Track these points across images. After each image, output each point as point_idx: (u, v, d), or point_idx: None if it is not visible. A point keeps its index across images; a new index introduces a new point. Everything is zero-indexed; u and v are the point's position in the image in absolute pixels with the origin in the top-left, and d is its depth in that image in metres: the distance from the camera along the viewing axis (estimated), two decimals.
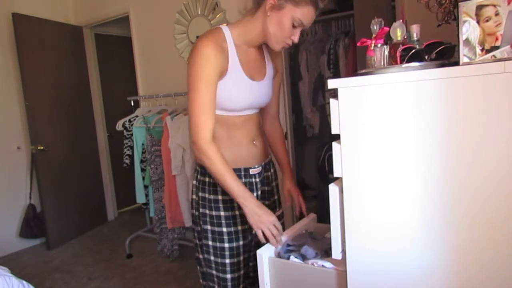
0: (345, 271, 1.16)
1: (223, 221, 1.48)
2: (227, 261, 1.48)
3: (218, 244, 1.48)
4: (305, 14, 1.32)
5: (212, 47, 1.33)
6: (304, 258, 1.31)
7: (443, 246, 1.00)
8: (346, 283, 1.16)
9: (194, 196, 1.57)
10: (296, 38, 1.38)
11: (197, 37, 3.41)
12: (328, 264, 1.24)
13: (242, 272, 1.53)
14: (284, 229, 1.68)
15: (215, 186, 1.48)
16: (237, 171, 1.46)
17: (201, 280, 1.64)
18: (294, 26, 1.34)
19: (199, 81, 1.31)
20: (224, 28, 1.43)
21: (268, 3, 1.33)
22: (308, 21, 1.35)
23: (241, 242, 1.50)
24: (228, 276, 1.49)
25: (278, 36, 1.37)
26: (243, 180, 1.49)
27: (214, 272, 1.51)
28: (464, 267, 0.98)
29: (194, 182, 1.56)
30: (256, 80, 1.47)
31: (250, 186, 1.51)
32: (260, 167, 1.56)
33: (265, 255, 1.33)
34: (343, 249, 1.18)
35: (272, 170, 1.67)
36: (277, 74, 1.63)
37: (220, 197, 1.48)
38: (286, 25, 1.33)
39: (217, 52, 1.34)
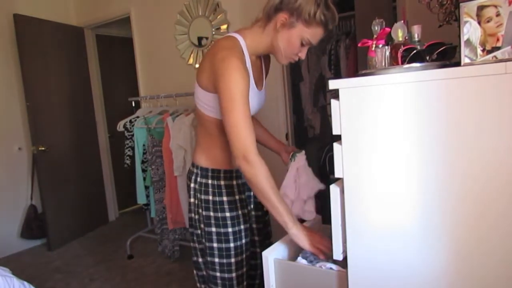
0: (346, 272, 1.16)
1: (229, 222, 1.49)
2: (233, 260, 1.50)
3: (224, 245, 1.49)
4: (314, 34, 1.35)
5: (242, 63, 1.32)
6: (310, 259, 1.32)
7: (444, 247, 1.00)
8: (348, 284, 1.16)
9: (192, 199, 1.56)
10: (303, 55, 1.42)
11: (199, 37, 3.41)
12: (335, 267, 1.24)
13: (245, 269, 1.54)
14: (270, 223, 1.73)
15: (220, 188, 1.50)
16: (229, 172, 1.52)
17: (198, 284, 1.64)
18: (302, 44, 1.37)
19: (239, 96, 1.28)
20: (240, 39, 1.42)
21: (280, 20, 1.34)
22: (316, 40, 1.39)
23: (243, 241, 1.52)
24: (234, 274, 1.51)
25: (286, 52, 1.40)
26: (239, 181, 1.54)
27: (218, 274, 1.51)
28: (465, 267, 0.98)
29: (193, 185, 1.55)
30: (259, 89, 1.51)
31: (243, 187, 1.55)
32: None
33: (270, 256, 1.33)
34: (344, 249, 1.18)
35: None
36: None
37: (225, 199, 1.50)
38: (295, 43, 1.36)
39: (246, 68, 1.33)
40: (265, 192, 1.30)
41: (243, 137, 1.28)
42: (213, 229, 1.50)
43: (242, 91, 1.29)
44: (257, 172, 1.29)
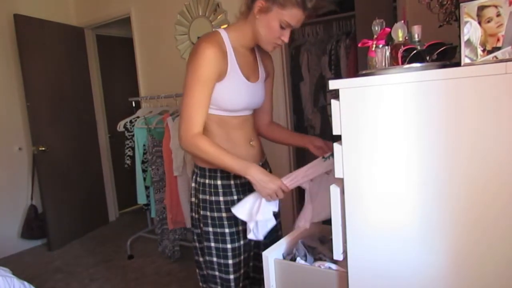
0: (347, 272, 1.16)
1: (225, 222, 1.49)
2: (230, 261, 1.50)
3: (220, 245, 1.50)
4: (292, 16, 1.34)
5: (212, 49, 1.36)
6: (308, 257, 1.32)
7: (444, 247, 1.00)
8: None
9: (193, 199, 1.58)
10: (286, 38, 1.40)
11: (198, 37, 3.42)
12: (334, 266, 1.24)
13: (242, 271, 1.54)
14: (281, 227, 1.71)
15: (216, 187, 1.50)
16: (226, 172, 1.50)
17: (201, 283, 1.65)
18: (282, 28, 1.37)
19: (197, 80, 1.36)
20: (222, 31, 1.46)
21: (256, 7, 1.36)
22: (296, 23, 1.37)
23: (241, 242, 1.52)
24: (231, 276, 1.51)
25: (268, 37, 1.41)
26: (237, 181, 1.52)
27: (217, 273, 1.52)
28: (464, 267, 0.98)
29: (193, 184, 1.57)
30: (252, 81, 1.51)
31: (249, 186, 1.53)
32: None
33: (270, 256, 1.33)
34: (345, 250, 1.18)
35: (267, 170, 1.67)
36: (269, 78, 1.66)
37: (221, 199, 1.50)
38: (274, 27, 1.37)
39: (217, 55, 1.37)
40: (214, 161, 1.39)
41: (187, 118, 1.37)
42: (210, 229, 1.51)
43: (202, 78, 1.36)
44: (197, 149, 1.38)
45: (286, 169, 3.00)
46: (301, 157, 3.86)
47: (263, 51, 1.58)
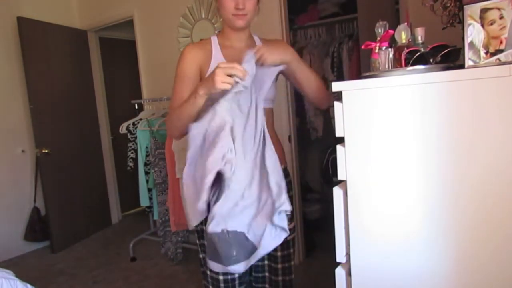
0: (350, 274, 1.16)
1: None
2: None
3: None
4: None
5: (189, 48, 1.52)
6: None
7: (450, 251, 0.99)
8: (351, 286, 1.16)
9: None
10: (239, 4, 1.45)
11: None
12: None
13: (236, 275, 1.52)
14: (294, 246, 1.65)
15: None
16: None
17: (203, 281, 1.66)
18: None
19: (176, 77, 1.52)
20: (213, 36, 1.59)
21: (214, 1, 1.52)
22: None
23: None
24: (221, 277, 1.52)
25: (227, 14, 1.48)
26: None
27: (208, 272, 1.54)
28: (470, 274, 0.98)
29: None
30: None
31: None
32: None
33: None
34: (348, 252, 1.18)
35: (285, 180, 1.59)
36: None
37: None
38: (225, 2, 1.46)
39: (193, 52, 1.50)
40: (185, 116, 1.42)
41: (170, 107, 1.54)
42: (204, 227, 1.51)
43: (180, 74, 1.51)
44: (170, 124, 1.54)
45: (289, 168, 3.00)
46: (303, 158, 3.86)
47: (272, 43, 1.61)
